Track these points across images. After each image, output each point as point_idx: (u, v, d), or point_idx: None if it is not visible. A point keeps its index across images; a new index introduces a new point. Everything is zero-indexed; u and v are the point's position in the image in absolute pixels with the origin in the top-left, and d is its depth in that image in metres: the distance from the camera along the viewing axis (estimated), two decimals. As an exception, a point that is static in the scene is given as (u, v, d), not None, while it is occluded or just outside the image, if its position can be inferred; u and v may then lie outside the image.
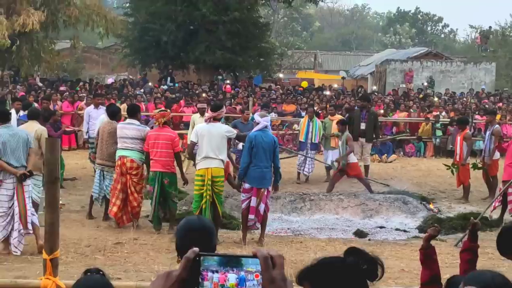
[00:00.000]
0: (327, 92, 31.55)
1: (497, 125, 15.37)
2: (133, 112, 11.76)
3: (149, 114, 21.26)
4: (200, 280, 1.58)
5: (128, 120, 11.61)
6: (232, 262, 1.59)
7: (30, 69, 35.77)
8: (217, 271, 1.58)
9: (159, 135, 11.07)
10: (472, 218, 5.88)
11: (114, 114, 12.21)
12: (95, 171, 15.60)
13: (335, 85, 36.43)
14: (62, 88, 28.17)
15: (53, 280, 4.60)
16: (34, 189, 11.17)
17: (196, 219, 3.38)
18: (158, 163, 11.02)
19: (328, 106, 21.60)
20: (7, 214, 9.38)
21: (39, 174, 11.25)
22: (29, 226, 9.39)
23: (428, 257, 4.70)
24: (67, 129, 16.79)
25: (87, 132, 16.41)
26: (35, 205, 11.27)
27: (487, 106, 27.14)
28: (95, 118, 16.11)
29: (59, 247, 5.00)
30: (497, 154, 15.06)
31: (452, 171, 15.05)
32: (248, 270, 1.63)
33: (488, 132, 15.14)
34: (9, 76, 30.51)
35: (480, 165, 14.95)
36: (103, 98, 18.74)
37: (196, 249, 1.63)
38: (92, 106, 17.44)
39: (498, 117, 24.66)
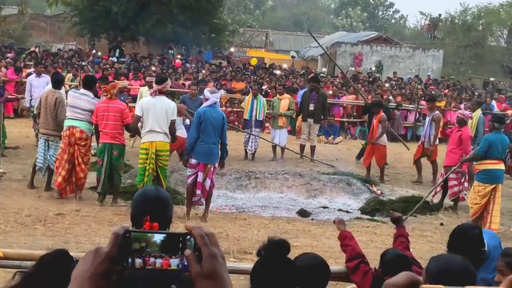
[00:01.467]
0: (277, 72, 31.57)
1: (437, 112, 15.68)
2: (89, 84, 11.53)
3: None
4: (128, 258, 1.55)
5: (82, 91, 11.40)
6: (174, 247, 1.57)
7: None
8: (160, 257, 1.55)
9: (109, 107, 10.91)
10: (391, 211, 5.96)
11: (58, 83, 11.99)
12: (37, 141, 15.40)
13: (285, 65, 36.46)
14: (9, 55, 27.48)
15: (-10, 248, 4.50)
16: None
17: (153, 189, 3.35)
18: (107, 135, 10.88)
19: (277, 85, 21.61)
20: None
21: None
22: None
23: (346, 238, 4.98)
24: (9, 96, 16.41)
25: (30, 100, 16.09)
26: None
27: (433, 92, 27.56)
28: (37, 86, 15.82)
29: (-2, 215, 4.90)
30: (436, 140, 15.39)
31: (363, 149, 15.86)
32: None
33: (428, 118, 15.43)
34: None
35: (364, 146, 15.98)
36: (45, 66, 18.39)
37: (126, 225, 1.60)
38: (34, 74, 17.10)
39: (443, 103, 25.15)
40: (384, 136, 15.58)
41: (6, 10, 38.09)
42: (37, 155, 11.81)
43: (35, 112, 13.60)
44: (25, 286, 2.75)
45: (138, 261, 1.54)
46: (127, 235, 1.55)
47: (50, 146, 11.66)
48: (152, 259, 1.54)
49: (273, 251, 3.24)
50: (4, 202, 10.38)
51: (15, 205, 10.20)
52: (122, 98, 13.01)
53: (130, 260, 1.54)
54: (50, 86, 12.17)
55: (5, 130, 14.44)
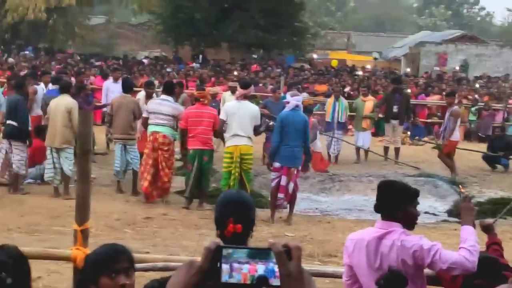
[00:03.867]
0: (360, 73, 31.32)
1: (456, 107, 15.23)
2: (170, 89, 11.80)
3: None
4: (220, 272, 1.57)
5: (163, 96, 11.66)
6: (261, 254, 1.59)
7: (64, 44, 36.10)
8: (247, 263, 1.57)
9: (202, 113, 11.09)
10: (480, 219, 5.51)
11: (128, 88, 12.36)
12: (107, 145, 15.83)
13: (368, 66, 36.11)
14: (97, 64, 28.35)
15: (83, 250, 4.67)
16: (65, 162, 11.35)
17: (235, 192, 3.40)
18: (198, 140, 11.06)
19: (360, 87, 21.43)
20: None
21: (70, 147, 11.42)
22: None
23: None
24: (97, 103, 16.92)
25: (110, 105, 16.59)
26: (67, 177, 11.45)
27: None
28: (113, 91, 16.26)
29: (89, 219, 5.06)
30: (456, 135, 14.90)
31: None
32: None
33: (447, 113, 14.98)
34: (43, 50, 30.79)
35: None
36: (121, 72, 18.90)
37: (217, 241, 1.63)
38: (111, 79, 17.68)
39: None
40: (457, 131, 15.08)
41: (93, 20, 39.36)
42: (115, 161, 12.10)
43: (106, 117, 13.98)
44: None
45: (225, 267, 1.56)
46: (219, 250, 1.58)
47: (129, 150, 11.96)
48: (238, 265, 1.56)
49: (392, 283, 3.22)
50: (95, 207, 10.65)
51: (105, 209, 10.50)
52: (214, 104, 13.23)
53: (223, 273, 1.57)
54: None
55: (95, 137, 14.88)
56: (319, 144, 15.41)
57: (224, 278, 1.56)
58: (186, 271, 1.61)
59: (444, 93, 22.57)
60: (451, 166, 15.06)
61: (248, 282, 1.57)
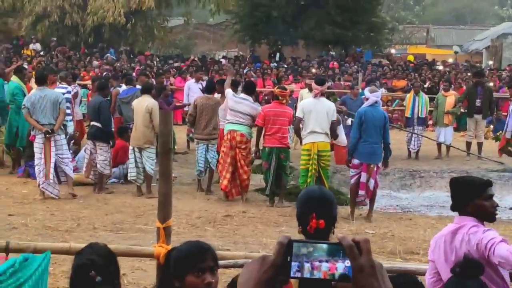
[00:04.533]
0: (440, 67, 30.71)
1: None
2: (250, 89, 11.91)
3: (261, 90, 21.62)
4: (290, 266, 1.58)
5: (242, 95, 11.76)
6: (340, 251, 1.58)
7: (144, 46, 36.84)
8: (326, 261, 1.57)
9: (279, 111, 11.16)
10: None
11: (211, 89, 12.47)
12: (188, 145, 16.04)
13: (450, 60, 35.32)
14: (176, 64, 28.84)
15: (166, 248, 4.76)
16: (147, 161, 11.60)
17: (316, 188, 3.41)
18: (275, 138, 11.12)
19: (442, 82, 21.02)
20: (40, 164, 10.94)
21: (151, 146, 11.66)
22: (50, 176, 10.94)
23: None
24: (177, 104, 17.20)
25: (189, 105, 16.83)
26: (149, 177, 11.70)
27: None
28: (195, 92, 16.47)
29: (171, 216, 5.16)
30: None
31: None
32: None
33: (511, 106, 14.24)
34: (124, 52, 31.54)
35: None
36: (210, 73, 19.12)
37: (288, 235, 1.64)
38: (193, 80, 17.95)
39: None
40: None
41: (172, 22, 39.98)
42: (197, 161, 12.24)
43: (187, 117, 14.16)
44: None
45: (307, 265, 1.57)
46: (290, 244, 1.59)
47: (210, 149, 12.11)
48: (318, 263, 1.57)
49: (468, 270, 3.18)
50: (176, 205, 10.85)
51: (186, 208, 10.67)
52: (290, 102, 13.26)
53: (292, 268, 1.57)
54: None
55: (175, 137, 15.14)
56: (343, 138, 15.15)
57: (306, 275, 1.57)
58: (259, 267, 1.62)
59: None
60: None
61: (328, 278, 1.57)
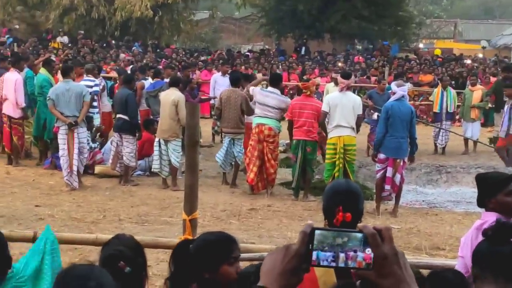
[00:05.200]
0: (468, 61, 30.43)
1: None
2: (276, 81, 11.87)
3: (286, 84, 21.60)
4: (311, 255, 1.58)
5: (270, 89, 11.74)
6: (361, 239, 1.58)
7: (170, 39, 36.96)
8: (362, 251, 1.57)
9: (305, 104, 11.13)
10: None
11: (236, 81, 12.44)
12: (213, 138, 16.09)
13: (480, 55, 34.94)
14: (203, 58, 28.90)
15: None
16: (173, 153, 11.64)
17: (343, 182, 3.40)
18: (301, 131, 11.10)
19: (469, 76, 20.82)
20: (64, 155, 11.16)
21: (177, 139, 11.71)
22: (74, 168, 11.12)
23: None
24: (203, 97, 17.24)
25: (215, 98, 16.86)
26: (175, 169, 11.74)
27: None
28: (222, 85, 16.49)
29: (197, 209, 5.17)
30: None
31: None
32: None
33: (506, 106, 13.90)
34: (151, 46, 31.65)
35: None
36: (234, 66, 19.15)
37: (311, 222, 1.63)
38: (219, 73, 17.97)
39: None
40: None
41: (198, 15, 40.07)
42: (219, 153, 12.26)
43: (214, 111, 14.19)
44: None
45: (341, 255, 1.56)
46: (312, 233, 1.58)
47: (236, 144, 12.11)
48: (353, 253, 1.56)
49: (501, 232, 3.11)
50: (201, 198, 10.87)
51: (211, 200, 10.70)
52: (315, 96, 13.24)
53: (327, 258, 1.57)
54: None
55: (200, 130, 15.17)
56: None
57: (341, 264, 1.56)
58: (282, 257, 1.62)
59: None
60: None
61: (365, 268, 1.57)
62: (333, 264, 1.57)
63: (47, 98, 11.51)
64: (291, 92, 22.27)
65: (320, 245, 1.57)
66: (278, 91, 11.61)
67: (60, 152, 11.30)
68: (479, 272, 2.78)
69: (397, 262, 1.58)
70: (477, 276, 2.76)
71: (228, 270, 3.10)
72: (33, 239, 4.99)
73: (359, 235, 1.57)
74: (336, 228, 1.62)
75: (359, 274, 1.59)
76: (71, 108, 11.15)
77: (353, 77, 11.34)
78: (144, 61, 24.65)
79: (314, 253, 1.57)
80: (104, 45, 31.80)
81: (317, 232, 1.58)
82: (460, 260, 4.37)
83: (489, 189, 4.21)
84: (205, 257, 3.12)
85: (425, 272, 3.95)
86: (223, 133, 12.48)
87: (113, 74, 19.92)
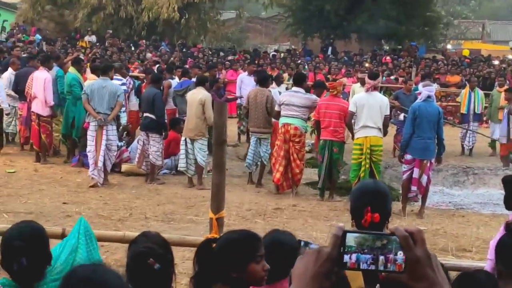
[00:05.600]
0: (496, 62, 30.15)
1: None
2: (300, 81, 11.89)
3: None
4: (343, 257, 1.57)
5: (294, 88, 11.75)
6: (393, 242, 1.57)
7: (197, 39, 37.08)
8: (400, 254, 1.56)
9: (331, 104, 11.12)
10: None
11: (264, 81, 12.45)
12: (239, 137, 16.12)
13: (510, 56, 34.54)
14: (230, 58, 28.95)
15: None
16: (199, 153, 11.69)
17: (371, 182, 3.39)
18: (328, 132, 11.09)
19: (497, 78, 20.64)
20: (92, 151, 11.37)
21: (203, 138, 11.76)
22: (99, 164, 11.30)
23: None
24: (229, 96, 17.28)
25: (241, 97, 16.89)
26: (200, 168, 11.79)
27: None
28: (248, 84, 16.52)
29: (224, 208, 5.19)
30: None
31: None
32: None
33: (505, 111, 13.69)
34: (178, 46, 31.78)
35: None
36: (261, 66, 19.15)
37: (342, 225, 1.63)
38: (246, 72, 18.00)
39: None
40: None
41: (225, 15, 40.15)
42: (248, 154, 12.30)
43: (242, 110, 14.22)
44: None
45: (381, 258, 1.55)
46: (344, 235, 1.58)
47: (262, 143, 12.13)
48: (392, 256, 1.56)
49: None
50: (227, 197, 10.88)
51: (236, 200, 10.72)
52: (341, 96, 13.20)
53: (366, 260, 1.56)
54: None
55: (226, 129, 15.19)
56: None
57: (380, 268, 1.56)
58: (314, 260, 1.60)
59: None
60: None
61: (401, 271, 1.56)
62: (373, 267, 1.55)
63: (82, 93, 11.79)
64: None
65: (359, 247, 1.56)
66: (302, 90, 11.60)
67: (88, 147, 11.50)
68: (503, 269, 2.66)
69: (430, 265, 1.57)
70: (502, 274, 2.62)
71: (256, 268, 3.10)
72: (61, 236, 5.05)
73: (395, 236, 1.56)
74: (367, 231, 1.60)
75: (391, 277, 1.57)
76: (103, 105, 11.37)
77: (380, 77, 11.27)
78: (170, 60, 24.74)
79: (354, 256, 1.55)
80: (131, 44, 32.00)
81: (354, 234, 1.57)
82: (489, 262, 4.33)
83: None
84: (231, 256, 3.11)
85: (452, 274, 3.93)
86: (250, 133, 12.50)
87: (137, 73, 20.05)
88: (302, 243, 1.68)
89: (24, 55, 18.83)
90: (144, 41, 32.63)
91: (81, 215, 4.85)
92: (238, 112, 16.89)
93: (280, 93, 12.56)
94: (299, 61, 28.72)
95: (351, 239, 1.57)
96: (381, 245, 1.55)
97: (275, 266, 3.11)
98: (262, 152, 12.11)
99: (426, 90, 10.47)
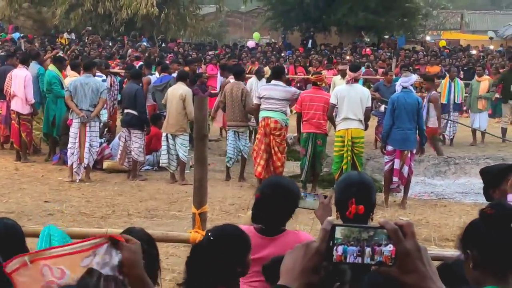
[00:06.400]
0: (473, 52, 30.33)
1: (434, 92, 14.04)
2: (278, 74, 11.85)
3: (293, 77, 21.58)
4: (332, 251, 1.56)
5: (273, 82, 11.72)
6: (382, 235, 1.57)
7: (176, 34, 36.94)
8: (386, 245, 1.55)
9: (315, 97, 11.11)
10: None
11: (239, 75, 12.45)
12: (220, 132, 16.06)
13: (491, 47, 34.75)
14: (210, 52, 28.87)
15: (201, 233, 4.77)
16: (181, 148, 11.66)
17: (356, 174, 3.39)
18: (311, 124, 11.08)
19: (475, 67, 20.75)
20: (73, 148, 11.34)
21: (185, 133, 11.72)
22: (85, 161, 11.39)
23: None
24: (212, 91, 17.23)
25: None
26: (183, 164, 11.76)
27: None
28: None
29: (206, 202, 5.18)
30: (435, 122, 13.84)
31: None
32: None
33: (425, 99, 13.86)
34: (157, 41, 31.64)
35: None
36: (241, 60, 19.06)
37: (331, 218, 1.62)
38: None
39: None
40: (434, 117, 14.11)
41: (204, 9, 40.02)
42: (227, 148, 12.28)
43: (218, 104, 14.17)
44: None
45: (368, 249, 1.54)
46: (333, 229, 1.57)
47: (241, 137, 12.12)
48: (379, 248, 1.55)
49: (502, 216, 3.08)
50: (210, 192, 10.85)
51: (219, 195, 10.71)
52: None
53: (353, 253, 1.55)
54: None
55: (209, 124, 15.17)
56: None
57: (366, 260, 1.55)
58: (303, 255, 1.59)
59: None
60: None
61: (390, 263, 1.55)
62: (359, 259, 1.55)
63: (65, 89, 11.74)
64: (298, 85, 22.24)
65: (345, 239, 1.55)
66: (281, 83, 11.57)
67: (70, 144, 11.44)
68: (479, 256, 2.34)
69: (420, 258, 1.56)
70: (477, 262, 2.31)
71: (249, 257, 3.10)
72: (43, 234, 5.01)
73: (385, 229, 1.55)
74: (355, 224, 1.60)
75: (381, 271, 1.57)
76: (86, 102, 11.33)
77: (361, 69, 11.30)
78: (146, 54, 24.62)
79: (340, 248, 1.55)
80: (109, 41, 31.81)
81: (341, 227, 1.57)
82: None
83: (492, 180, 4.19)
84: (235, 252, 3.07)
85: (435, 263, 3.95)
86: (227, 127, 12.47)
87: (118, 70, 19.93)
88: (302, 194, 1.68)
89: (2, 53, 18.66)
90: (126, 37, 32.48)
91: (48, 225, 4.80)
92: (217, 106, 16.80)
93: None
94: (282, 55, 28.67)
95: (338, 232, 1.56)
96: (367, 236, 1.54)
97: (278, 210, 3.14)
98: (242, 145, 12.09)
99: (401, 81, 10.53)
